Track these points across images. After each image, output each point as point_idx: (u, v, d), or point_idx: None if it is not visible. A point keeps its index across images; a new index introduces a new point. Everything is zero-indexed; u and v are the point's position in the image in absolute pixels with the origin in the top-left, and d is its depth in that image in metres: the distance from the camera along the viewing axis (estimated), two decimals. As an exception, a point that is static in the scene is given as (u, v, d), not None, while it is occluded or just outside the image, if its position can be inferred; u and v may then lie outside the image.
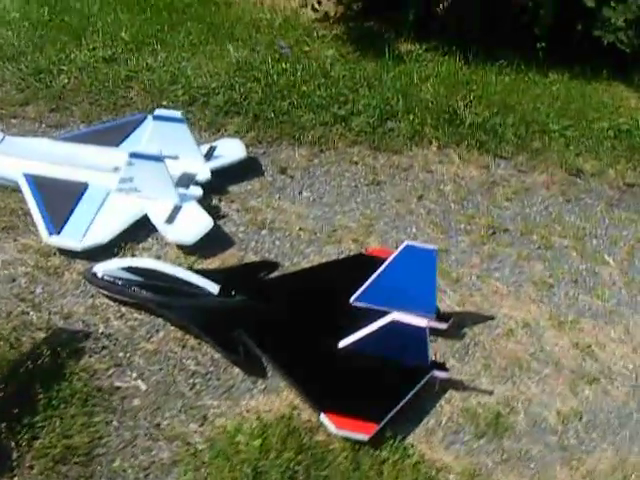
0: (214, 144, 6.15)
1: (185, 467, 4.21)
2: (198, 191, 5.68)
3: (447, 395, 4.73)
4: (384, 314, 4.68)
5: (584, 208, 6.25)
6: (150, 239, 5.49)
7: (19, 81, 6.77)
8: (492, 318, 5.26)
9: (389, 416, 4.41)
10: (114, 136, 6.07)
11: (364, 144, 6.55)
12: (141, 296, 4.90)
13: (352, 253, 5.57)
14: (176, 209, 5.51)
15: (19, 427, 4.24)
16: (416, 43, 7.58)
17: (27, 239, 5.39)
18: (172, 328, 4.91)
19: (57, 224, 5.31)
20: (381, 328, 4.51)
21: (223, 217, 5.76)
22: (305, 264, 5.47)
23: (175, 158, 5.83)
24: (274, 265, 5.34)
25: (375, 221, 5.90)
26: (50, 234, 5.26)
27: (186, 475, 4.19)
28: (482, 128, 6.74)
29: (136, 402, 4.51)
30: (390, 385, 4.55)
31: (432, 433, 4.54)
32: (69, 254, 5.28)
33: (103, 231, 5.35)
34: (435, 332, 5.02)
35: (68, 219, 5.37)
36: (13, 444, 4.18)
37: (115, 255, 5.31)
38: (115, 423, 4.39)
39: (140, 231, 5.50)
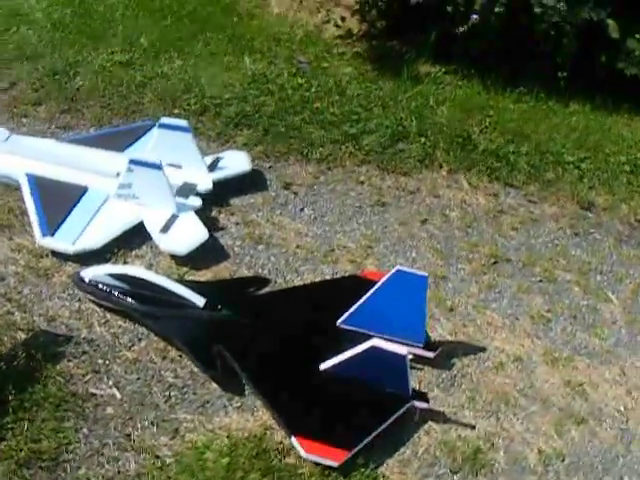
0: (220, 155, 6.11)
1: (150, 481, 4.17)
2: (197, 202, 5.65)
3: (426, 426, 4.61)
4: (370, 338, 4.62)
5: (592, 243, 6.11)
6: (145, 247, 5.45)
7: (34, 80, 6.79)
8: (483, 350, 5.13)
9: (362, 444, 4.31)
10: (120, 141, 6.06)
11: (373, 164, 6.47)
12: (125, 304, 4.86)
13: (347, 274, 5.49)
14: (172, 218, 5.47)
15: (-13, 427, 4.22)
16: (436, 65, 7.47)
17: (22, 239, 5.38)
18: (155, 338, 4.85)
19: (51, 226, 5.30)
20: (361, 353, 4.42)
21: (221, 229, 5.70)
22: (298, 282, 5.39)
23: (178, 167, 5.83)
24: (265, 281, 5.27)
25: (375, 243, 5.81)
26: (43, 235, 5.25)
27: (150, 489, 4.14)
28: (495, 155, 6.63)
29: (109, 410, 4.46)
30: (366, 412, 4.45)
31: (406, 464, 4.42)
32: (61, 257, 5.25)
33: (97, 236, 5.32)
34: (422, 361, 4.94)
35: (63, 221, 5.35)
36: (-22, 444, 4.16)
37: (107, 261, 5.28)
38: (85, 430, 4.34)
39: (135, 238, 5.46)
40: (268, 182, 6.18)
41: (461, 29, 7.02)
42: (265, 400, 4.47)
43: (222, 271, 5.39)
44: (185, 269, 5.34)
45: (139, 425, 4.41)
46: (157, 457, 4.26)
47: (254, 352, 4.70)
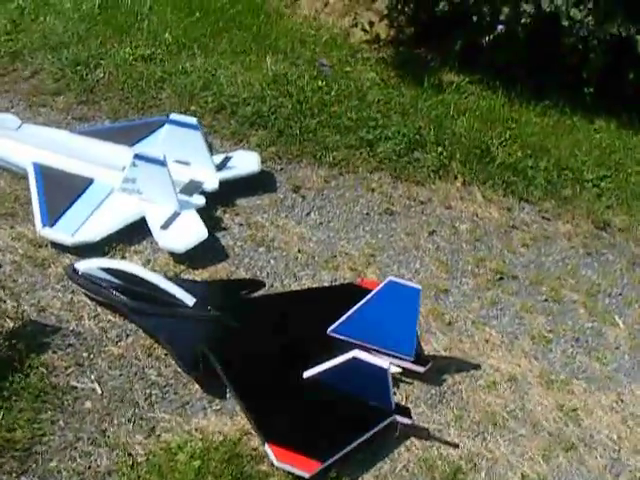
0: (230, 155, 6.08)
1: (120, 478, 4.12)
2: (200, 200, 5.61)
3: (408, 442, 4.52)
4: (360, 348, 4.55)
5: (604, 264, 5.96)
6: (145, 242, 5.44)
7: (56, 71, 6.83)
8: (477, 367, 5.03)
9: (337, 456, 4.22)
10: (131, 135, 6.06)
11: (386, 171, 6.39)
12: (114, 299, 4.84)
13: (346, 282, 5.41)
14: (174, 215, 5.44)
15: (-37, 413, 4.23)
16: (461, 74, 7.36)
17: (23, 228, 5.40)
18: (142, 335, 4.83)
19: (52, 216, 5.31)
20: (342, 364, 4.35)
21: (223, 229, 5.67)
22: (295, 287, 5.34)
23: (186, 164, 5.81)
24: (259, 284, 5.21)
25: (379, 252, 5.73)
26: (43, 226, 5.26)
27: (119, 486, 4.12)
28: (512, 168, 6.50)
29: (88, 405, 4.44)
30: (345, 424, 4.37)
31: (382, 480, 4.36)
32: (60, 248, 5.26)
33: (96, 229, 5.32)
34: (413, 375, 4.84)
35: (65, 213, 5.36)
36: (-47, 430, 4.17)
37: (106, 254, 5.28)
38: (61, 423, 4.32)
39: (136, 233, 5.45)
40: (277, 184, 6.13)
41: (487, 39, 6.87)
42: (243, 404, 4.41)
43: (219, 271, 5.35)
44: (182, 267, 5.31)
45: (116, 421, 4.39)
46: (130, 455, 4.23)
47: (238, 355, 4.65)
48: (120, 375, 4.63)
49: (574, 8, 6.51)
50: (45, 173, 5.59)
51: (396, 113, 6.85)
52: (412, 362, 4.81)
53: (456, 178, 6.42)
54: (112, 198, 5.54)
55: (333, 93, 6.93)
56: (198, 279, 5.24)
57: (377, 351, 4.76)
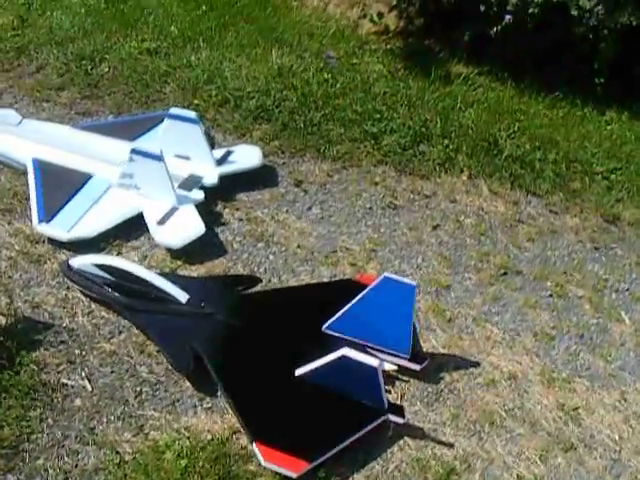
0: (231, 149, 6.02)
1: (106, 476, 4.09)
2: (199, 195, 5.56)
3: (401, 441, 4.43)
4: (355, 345, 4.48)
5: (612, 258, 5.82)
6: (142, 238, 5.40)
7: (61, 65, 6.82)
8: (476, 365, 4.92)
9: (326, 456, 4.15)
10: (132, 130, 6.02)
11: (390, 165, 6.29)
12: (107, 295, 4.81)
13: (345, 277, 5.34)
14: (171, 211, 5.40)
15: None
16: (469, 66, 7.22)
17: (21, 224, 5.38)
18: (135, 332, 4.79)
19: (49, 212, 5.28)
20: (332, 362, 4.27)
21: (223, 224, 5.62)
22: (293, 283, 5.27)
23: (186, 158, 5.77)
24: (255, 280, 5.15)
25: (380, 247, 5.64)
26: (40, 221, 5.24)
27: (106, 485, 4.08)
28: (520, 161, 6.37)
29: (77, 402, 4.41)
30: (335, 423, 4.29)
31: (373, 480, 4.28)
32: (56, 244, 5.24)
33: (93, 225, 5.29)
34: (409, 373, 4.76)
35: (62, 208, 5.33)
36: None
37: (102, 250, 5.25)
38: (50, 421, 4.29)
39: (134, 229, 5.41)
40: (279, 178, 6.06)
41: (495, 30, 6.74)
42: (231, 402, 4.35)
43: (217, 267, 5.30)
44: (179, 263, 5.26)
45: (105, 419, 4.35)
46: (117, 453, 4.19)
47: (229, 352, 4.59)
48: (111, 372, 4.59)
49: (583, -3, 6.38)
50: (44, 169, 5.57)
51: (402, 105, 6.74)
52: (408, 359, 4.72)
53: (462, 171, 6.31)
54: (110, 193, 5.50)
55: (339, 86, 6.84)
56: (195, 275, 5.19)
57: (372, 348, 4.69)
